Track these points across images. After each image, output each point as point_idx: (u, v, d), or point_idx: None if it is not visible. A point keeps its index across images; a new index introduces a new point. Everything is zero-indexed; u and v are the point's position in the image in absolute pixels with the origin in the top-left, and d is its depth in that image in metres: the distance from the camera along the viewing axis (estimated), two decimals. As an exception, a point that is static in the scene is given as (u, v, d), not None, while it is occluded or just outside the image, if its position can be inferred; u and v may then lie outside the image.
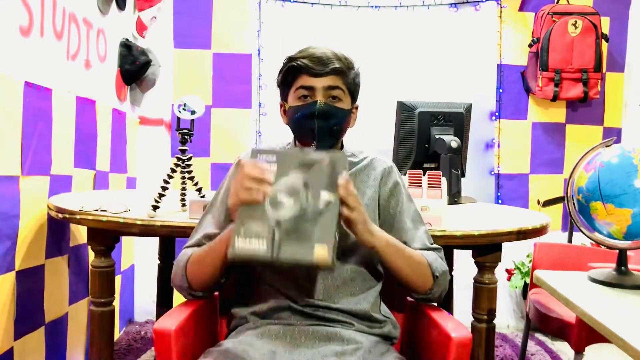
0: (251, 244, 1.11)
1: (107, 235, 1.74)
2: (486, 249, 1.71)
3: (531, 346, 2.84)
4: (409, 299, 1.56)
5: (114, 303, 1.80)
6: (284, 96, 1.42)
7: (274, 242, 1.11)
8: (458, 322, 1.31)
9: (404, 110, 2.34)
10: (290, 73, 1.36)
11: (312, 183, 1.14)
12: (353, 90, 1.40)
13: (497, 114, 3.26)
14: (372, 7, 3.24)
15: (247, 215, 1.13)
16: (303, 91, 1.35)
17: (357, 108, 1.44)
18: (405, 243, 1.38)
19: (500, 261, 1.74)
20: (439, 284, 1.35)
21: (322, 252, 1.09)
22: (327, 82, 1.33)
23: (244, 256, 1.11)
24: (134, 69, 2.74)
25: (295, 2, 3.24)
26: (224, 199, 1.39)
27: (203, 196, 1.81)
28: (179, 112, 1.73)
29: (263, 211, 1.12)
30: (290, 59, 1.36)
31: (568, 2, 3.14)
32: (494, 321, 1.75)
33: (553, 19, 3.08)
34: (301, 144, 1.41)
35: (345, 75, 1.36)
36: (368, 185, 1.41)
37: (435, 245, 1.42)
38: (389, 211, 1.42)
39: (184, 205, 1.84)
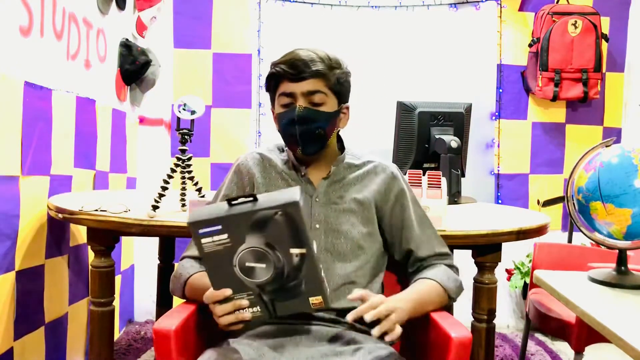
0: (249, 313, 1.14)
1: (107, 235, 1.74)
2: (486, 249, 1.71)
3: (531, 346, 2.84)
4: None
5: (114, 303, 1.80)
6: (272, 103, 1.41)
7: (266, 304, 1.13)
8: (458, 322, 1.31)
9: (404, 110, 2.34)
10: (273, 80, 1.36)
11: (275, 242, 1.07)
12: (339, 91, 1.37)
13: (497, 114, 3.25)
14: (372, 7, 3.24)
15: (227, 288, 1.12)
16: (285, 98, 1.34)
17: (347, 108, 1.42)
18: (411, 251, 1.41)
19: (500, 261, 1.74)
20: (453, 298, 1.40)
21: (317, 302, 1.11)
22: (307, 86, 1.32)
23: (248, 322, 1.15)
24: (134, 69, 2.74)
25: (295, 2, 3.24)
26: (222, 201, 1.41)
27: (203, 196, 1.81)
28: (179, 112, 1.73)
29: (240, 282, 1.10)
30: (272, 65, 1.36)
31: (568, 2, 3.14)
32: (494, 321, 1.75)
33: (553, 19, 3.08)
34: (290, 149, 1.41)
35: (326, 77, 1.33)
36: (369, 189, 1.41)
37: (444, 251, 1.43)
38: (396, 219, 1.42)
39: (183, 205, 1.84)
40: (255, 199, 1.06)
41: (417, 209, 1.45)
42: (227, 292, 1.12)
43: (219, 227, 1.07)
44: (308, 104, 1.32)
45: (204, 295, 1.17)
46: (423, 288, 1.34)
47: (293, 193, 1.07)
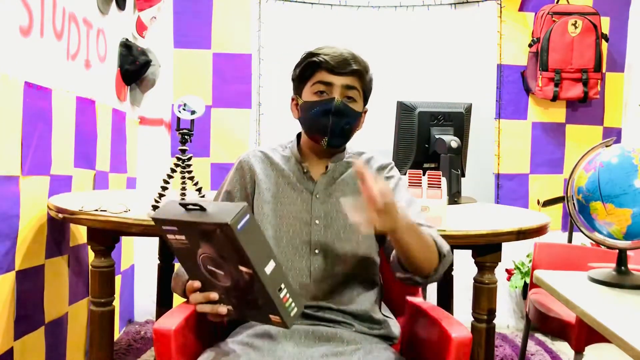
0: (224, 308, 1.11)
1: (107, 235, 1.74)
2: (486, 249, 1.71)
3: (531, 346, 2.84)
4: (408, 299, 1.55)
5: (114, 303, 1.80)
6: (299, 90, 1.41)
7: (234, 305, 1.11)
8: (458, 322, 1.31)
9: (404, 110, 2.34)
10: (310, 68, 1.36)
11: (224, 255, 1.02)
12: (366, 94, 1.41)
13: (497, 114, 3.25)
14: (372, 7, 3.24)
15: (198, 280, 1.12)
16: (321, 86, 1.35)
17: (366, 112, 1.44)
18: None
19: (500, 261, 1.74)
20: (443, 264, 1.29)
21: (277, 320, 1.06)
22: (346, 81, 1.34)
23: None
24: (134, 69, 2.74)
25: (295, 2, 3.24)
26: (224, 198, 1.41)
27: (203, 196, 1.81)
28: (179, 112, 1.73)
29: (208, 279, 1.10)
30: (311, 54, 1.36)
31: (568, 2, 3.14)
32: (494, 321, 1.75)
33: (553, 19, 3.08)
34: (311, 140, 1.40)
35: (363, 77, 1.37)
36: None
37: (429, 224, 1.36)
38: None
39: (184, 205, 1.84)
40: (203, 209, 1.01)
41: (405, 193, 1.42)
42: (196, 284, 1.12)
43: (176, 228, 1.05)
44: (343, 98, 1.35)
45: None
46: (419, 228, 1.25)
47: (230, 213, 0.98)
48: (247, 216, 0.98)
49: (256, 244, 1.00)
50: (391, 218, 1.11)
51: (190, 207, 1.02)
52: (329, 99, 1.34)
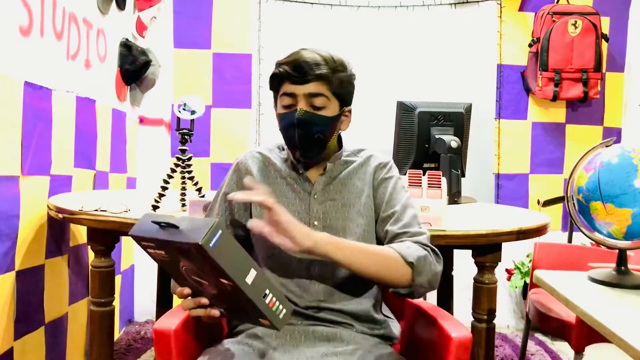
0: (216, 310, 1.12)
1: (107, 235, 1.74)
2: (486, 249, 1.71)
3: (531, 346, 2.84)
4: (408, 299, 1.55)
5: (114, 303, 1.80)
6: (275, 102, 1.40)
7: (225, 309, 1.11)
8: (458, 322, 1.31)
9: (404, 110, 2.34)
10: (276, 80, 1.34)
11: (204, 270, 1.02)
12: (341, 95, 1.34)
13: (497, 114, 3.25)
14: (372, 7, 3.24)
15: (186, 287, 1.13)
16: (287, 98, 1.32)
17: (350, 111, 1.40)
18: (387, 231, 1.33)
19: (500, 261, 1.74)
20: (419, 272, 1.23)
21: (267, 323, 1.06)
22: (309, 89, 1.29)
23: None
24: (134, 69, 2.74)
25: (295, 2, 3.24)
26: (222, 200, 1.40)
27: (203, 196, 1.81)
28: (179, 112, 1.74)
29: (198, 290, 1.11)
30: (276, 65, 1.34)
31: (568, 2, 3.14)
32: (494, 321, 1.75)
33: (553, 19, 3.08)
34: (290, 151, 1.39)
35: (329, 80, 1.30)
36: (365, 182, 1.39)
37: (420, 230, 1.32)
38: (377, 200, 1.38)
39: (184, 205, 1.84)
40: (176, 227, 1.01)
41: (402, 193, 1.39)
42: (186, 291, 1.13)
43: (153, 244, 1.06)
44: (309, 107, 1.30)
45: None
46: (370, 245, 1.26)
47: (201, 230, 0.97)
48: (219, 232, 0.97)
49: (232, 257, 0.99)
50: (294, 239, 1.13)
51: (163, 224, 1.03)
52: (291, 112, 1.31)
